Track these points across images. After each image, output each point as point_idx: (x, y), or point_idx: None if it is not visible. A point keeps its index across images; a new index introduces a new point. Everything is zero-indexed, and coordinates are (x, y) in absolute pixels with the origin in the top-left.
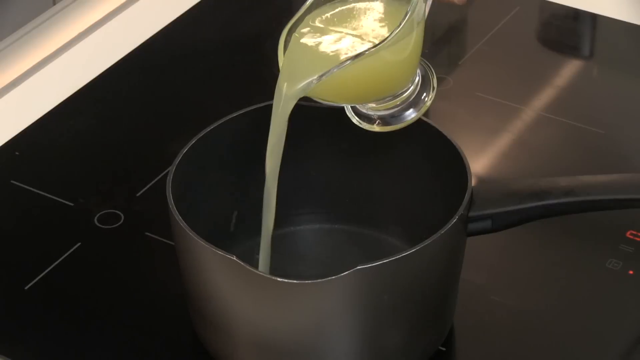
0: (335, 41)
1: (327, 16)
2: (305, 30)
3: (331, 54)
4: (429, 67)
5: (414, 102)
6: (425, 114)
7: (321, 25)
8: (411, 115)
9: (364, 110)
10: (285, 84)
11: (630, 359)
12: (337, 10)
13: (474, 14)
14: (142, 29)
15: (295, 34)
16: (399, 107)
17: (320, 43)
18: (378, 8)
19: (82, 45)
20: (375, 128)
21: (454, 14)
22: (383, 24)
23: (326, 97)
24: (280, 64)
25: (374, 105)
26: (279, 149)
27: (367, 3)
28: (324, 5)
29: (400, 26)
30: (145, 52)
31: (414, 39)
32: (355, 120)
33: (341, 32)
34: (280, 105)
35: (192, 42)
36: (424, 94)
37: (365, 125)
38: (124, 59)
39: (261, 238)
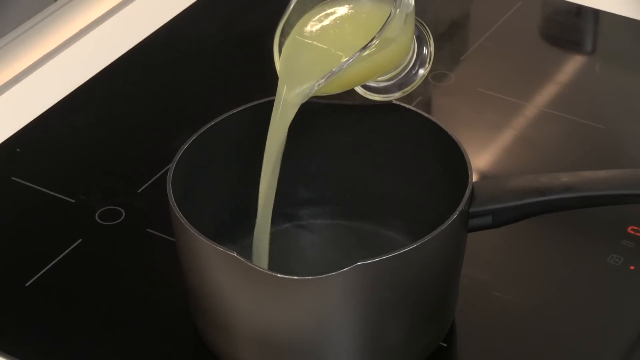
0: (332, 41)
1: (318, 18)
2: (299, 33)
3: (330, 54)
4: (420, 23)
5: (417, 61)
6: (427, 109)
7: (314, 27)
8: (420, 73)
9: (374, 84)
10: (285, 89)
11: (631, 354)
12: (327, 11)
13: (475, 10)
14: (143, 26)
15: (290, 37)
16: (405, 72)
17: (316, 44)
18: (367, 4)
19: (82, 42)
20: (390, 97)
21: (456, 9)
22: (376, 17)
23: (328, 91)
24: (278, 69)
25: (380, 78)
26: (277, 164)
27: (353, 4)
28: (313, 8)
29: (392, 16)
30: (146, 49)
31: (408, 23)
32: (366, 95)
33: (336, 31)
34: (279, 113)
35: (193, 38)
36: (425, 50)
37: (379, 97)
38: (125, 56)
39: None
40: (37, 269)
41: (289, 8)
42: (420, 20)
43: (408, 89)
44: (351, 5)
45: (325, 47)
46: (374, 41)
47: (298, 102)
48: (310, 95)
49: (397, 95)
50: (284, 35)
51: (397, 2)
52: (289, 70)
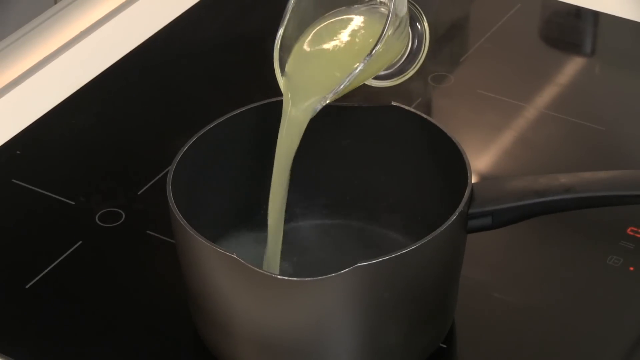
0: (335, 55)
1: (318, 33)
2: (300, 51)
3: (334, 68)
4: (410, 3)
5: (415, 41)
6: (427, 111)
7: (315, 44)
8: (421, 48)
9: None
10: (293, 108)
11: (631, 355)
12: (325, 24)
13: (475, 11)
14: (143, 28)
15: (292, 56)
16: (405, 57)
17: (319, 61)
18: (363, 13)
19: (83, 44)
20: (399, 80)
21: (456, 11)
22: (374, 23)
23: (334, 98)
24: (282, 87)
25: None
26: (288, 175)
27: (349, 15)
28: (310, 24)
29: (389, 21)
30: (146, 51)
31: (404, 21)
32: (371, 83)
33: (337, 44)
34: (286, 130)
35: (193, 40)
36: (419, 27)
37: (387, 83)
38: (125, 58)
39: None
40: (38, 271)
41: (284, 23)
42: (410, 0)
43: (415, 67)
44: (348, 17)
45: (329, 61)
46: (377, 47)
47: (307, 119)
48: (318, 110)
49: (401, 79)
50: (283, 49)
51: (391, 4)
52: (294, 89)
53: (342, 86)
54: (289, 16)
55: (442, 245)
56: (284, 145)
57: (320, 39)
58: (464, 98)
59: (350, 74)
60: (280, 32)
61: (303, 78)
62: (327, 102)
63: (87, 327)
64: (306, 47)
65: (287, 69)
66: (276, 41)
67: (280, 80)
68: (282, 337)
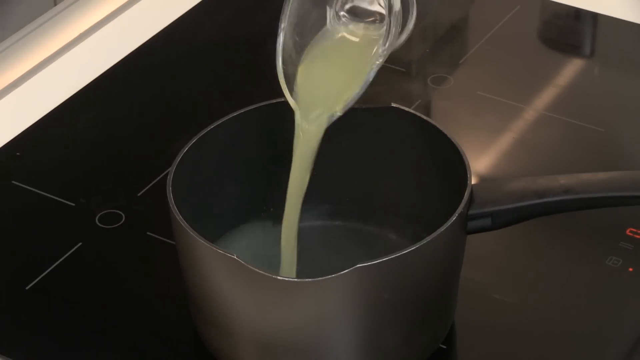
0: (342, 64)
1: (318, 48)
2: (308, 66)
3: (345, 77)
4: None
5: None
6: (427, 112)
7: (322, 57)
8: (413, 11)
9: None
10: (306, 122)
11: (631, 356)
12: (323, 39)
13: (474, 13)
14: (143, 30)
15: (300, 73)
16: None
17: (329, 73)
18: (357, 23)
19: (83, 45)
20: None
21: (455, 13)
22: (371, 29)
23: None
24: (292, 103)
25: None
26: (305, 185)
27: (346, 24)
28: (311, 41)
29: (390, 25)
30: (146, 53)
31: (400, 19)
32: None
33: (342, 54)
34: (303, 143)
35: (193, 42)
36: None
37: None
38: (125, 60)
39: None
40: (38, 272)
41: (283, 23)
42: None
43: (408, 31)
44: (349, 25)
45: (337, 73)
46: (383, 49)
47: (322, 130)
48: (334, 120)
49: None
50: (285, 62)
51: (389, 9)
52: (305, 105)
53: (358, 93)
54: (285, 24)
55: (442, 246)
56: (302, 157)
57: (322, 53)
58: (464, 99)
59: (364, 81)
60: (281, 34)
61: (312, 94)
62: (342, 113)
63: (87, 328)
64: (311, 64)
65: (294, 87)
66: (277, 57)
67: (289, 98)
68: (282, 338)
